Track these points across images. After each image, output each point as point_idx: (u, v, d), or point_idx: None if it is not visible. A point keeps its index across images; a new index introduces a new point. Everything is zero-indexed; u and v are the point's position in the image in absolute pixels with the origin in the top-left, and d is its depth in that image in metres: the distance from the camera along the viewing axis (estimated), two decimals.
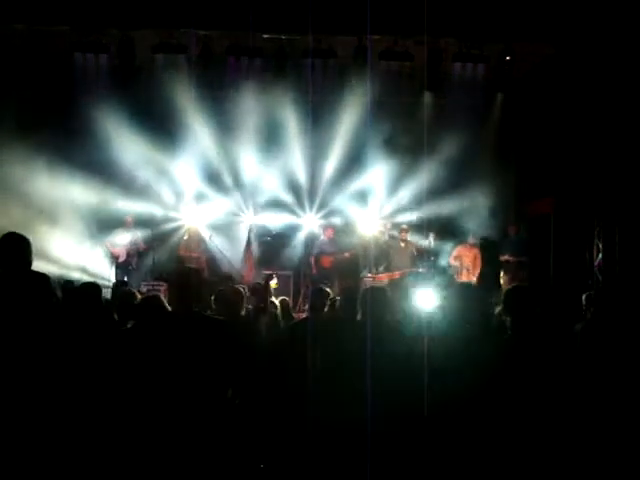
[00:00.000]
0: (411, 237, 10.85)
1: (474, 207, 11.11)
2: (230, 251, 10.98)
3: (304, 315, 6.16)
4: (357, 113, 10.46)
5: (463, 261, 10.72)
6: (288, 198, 11.42)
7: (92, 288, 4.24)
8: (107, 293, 7.76)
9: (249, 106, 10.31)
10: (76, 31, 9.48)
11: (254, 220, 10.94)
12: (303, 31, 9.35)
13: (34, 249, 3.86)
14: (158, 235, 10.84)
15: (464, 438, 3.63)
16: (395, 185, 11.36)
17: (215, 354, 3.63)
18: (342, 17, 8.80)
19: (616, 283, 7.94)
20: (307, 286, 10.44)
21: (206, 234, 10.92)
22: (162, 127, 10.54)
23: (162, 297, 4.56)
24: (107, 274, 10.43)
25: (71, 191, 10.01)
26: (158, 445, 3.51)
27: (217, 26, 9.40)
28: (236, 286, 5.46)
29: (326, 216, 11.57)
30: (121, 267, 10.39)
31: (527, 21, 8.86)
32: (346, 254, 10.97)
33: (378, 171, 11.26)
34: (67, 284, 6.24)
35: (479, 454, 3.59)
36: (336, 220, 11.52)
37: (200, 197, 11.27)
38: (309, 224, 11.62)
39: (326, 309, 5.07)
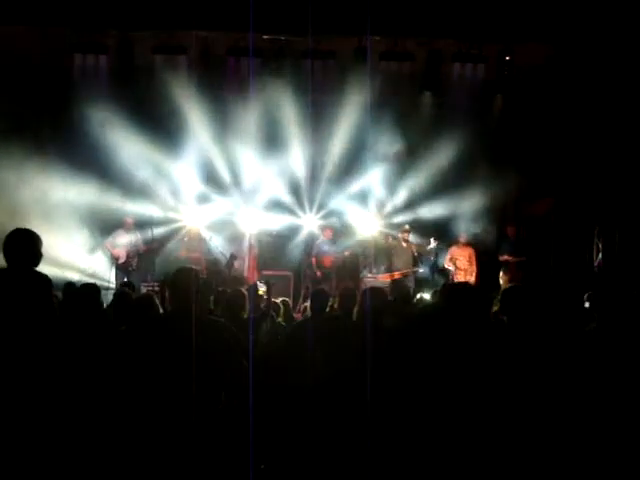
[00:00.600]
0: (412, 238, 10.85)
1: (472, 208, 11.13)
2: (230, 252, 10.96)
3: (304, 316, 6.15)
4: (357, 114, 10.46)
5: (458, 262, 10.71)
6: (288, 199, 11.42)
7: (91, 289, 4.23)
8: (108, 294, 7.75)
9: (249, 107, 10.31)
10: (76, 32, 9.48)
11: (254, 221, 10.92)
12: (303, 32, 9.36)
13: None
14: (158, 236, 10.83)
15: (464, 434, 3.64)
16: (395, 185, 11.36)
17: (213, 355, 3.63)
18: (342, 18, 8.81)
19: (622, 283, 7.93)
20: (307, 287, 10.44)
21: (206, 235, 10.92)
22: (162, 128, 10.54)
23: (155, 297, 4.56)
24: (107, 275, 10.42)
25: (70, 192, 10.01)
26: (153, 446, 3.51)
27: (217, 27, 9.40)
28: (238, 288, 5.46)
29: (326, 217, 11.57)
30: (121, 268, 10.37)
31: (527, 22, 8.87)
32: (345, 253, 10.98)
33: (377, 172, 11.26)
34: (68, 286, 6.23)
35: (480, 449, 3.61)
36: (335, 221, 11.52)
37: (200, 198, 11.27)
38: (309, 225, 11.62)
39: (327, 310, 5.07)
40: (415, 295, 8.26)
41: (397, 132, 10.87)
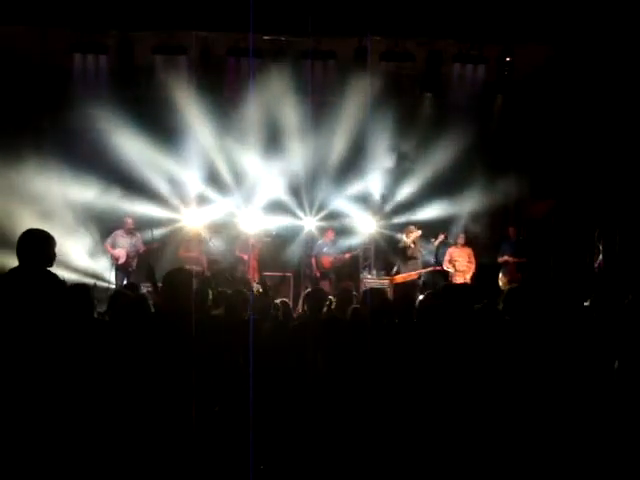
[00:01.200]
0: (418, 238, 10.84)
1: (472, 208, 11.12)
2: (231, 252, 10.95)
3: (300, 315, 6.13)
4: (357, 114, 10.45)
5: (457, 263, 10.69)
6: (288, 199, 11.41)
7: (80, 290, 4.23)
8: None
9: (249, 107, 10.30)
10: (76, 32, 9.47)
11: (254, 221, 10.91)
12: (303, 32, 9.35)
13: None
14: (158, 237, 10.82)
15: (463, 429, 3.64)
16: (395, 186, 11.35)
17: (209, 354, 3.63)
18: (342, 18, 8.80)
19: (622, 284, 7.93)
20: (307, 287, 10.43)
21: (206, 235, 10.90)
22: (162, 128, 10.53)
23: (148, 298, 4.56)
24: (107, 276, 10.42)
25: (70, 192, 10.00)
26: (149, 446, 3.51)
27: (217, 27, 9.39)
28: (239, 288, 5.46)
29: (326, 218, 11.57)
30: (121, 269, 10.36)
31: (527, 23, 8.86)
32: (346, 255, 10.98)
33: (378, 172, 11.25)
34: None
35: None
36: (337, 222, 11.53)
37: (200, 198, 11.26)
38: (309, 225, 11.62)
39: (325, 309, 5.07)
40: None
41: (397, 132, 10.86)
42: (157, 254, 10.58)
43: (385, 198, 11.54)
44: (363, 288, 10.13)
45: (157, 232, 10.66)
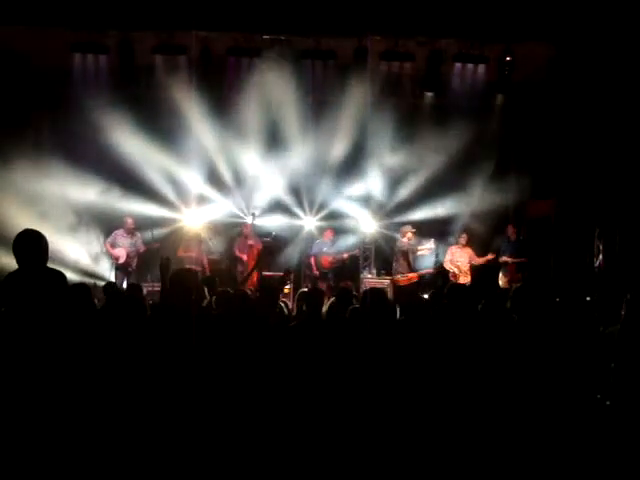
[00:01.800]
0: (414, 238, 10.83)
1: (472, 208, 11.11)
2: (231, 252, 10.96)
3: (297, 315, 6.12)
4: (357, 114, 10.45)
5: (458, 263, 10.68)
6: (288, 199, 11.41)
7: (80, 289, 4.25)
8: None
9: (249, 107, 10.29)
10: (76, 32, 9.47)
11: (254, 221, 10.90)
12: (303, 32, 9.36)
13: None
14: (158, 237, 10.82)
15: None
16: (395, 186, 11.35)
17: (208, 353, 3.63)
18: (342, 18, 8.79)
19: (623, 284, 7.91)
20: (307, 287, 10.43)
21: (206, 235, 10.90)
22: (162, 128, 10.53)
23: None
24: (107, 276, 10.42)
25: (70, 192, 10.00)
26: (147, 444, 3.51)
27: (217, 27, 9.39)
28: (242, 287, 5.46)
29: (326, 218, 11.57)
30: (121, 269, 10.36)
31: (528, 22, 8.85)
32: (344, 255, 10.97)
33: (378, 172, 11.24)
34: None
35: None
36: (337, 222, 11.53)
37: (200, 198, 11.26)
38: (308, 225, 11.62)
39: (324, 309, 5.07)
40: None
41: (397, 132, 10.86)
42: (157, 254, 10.57)
43: (385, 197, 11.52)
44: (363, 288, 10.15)
45: (157, 232, 10.66)
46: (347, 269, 11.26)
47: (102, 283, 10.00)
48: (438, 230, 11.05)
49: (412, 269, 10.60)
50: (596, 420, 3.60)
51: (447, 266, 10.74)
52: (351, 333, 4.30)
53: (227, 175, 11.14)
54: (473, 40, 9.65)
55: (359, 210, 11.53)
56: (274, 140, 10.86)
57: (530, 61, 10.12)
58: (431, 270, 10.77)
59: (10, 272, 3.76)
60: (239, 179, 11.22)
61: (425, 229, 11.02)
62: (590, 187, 9.76)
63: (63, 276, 3.80)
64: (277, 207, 11.38)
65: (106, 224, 10.71)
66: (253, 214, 10.78)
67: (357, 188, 11.38)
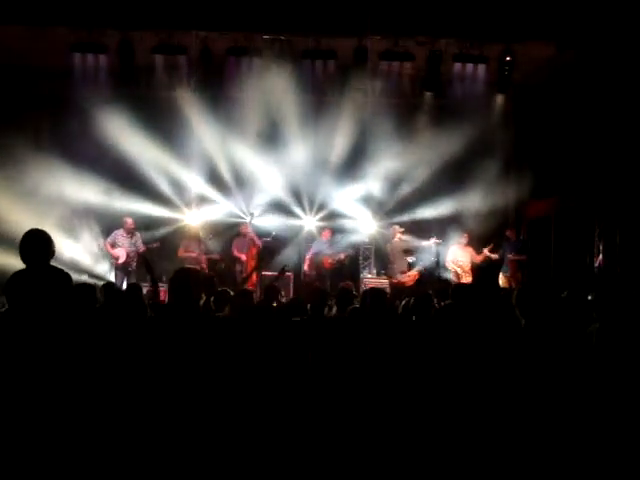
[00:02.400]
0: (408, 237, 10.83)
1: (473, 208, 11.11)
2: (229, 252, 10.96)
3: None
4: (357, 114, 10.45)
5: (460, 263, 10.68)
6: (288, 199, 11.42)
7: (86, 290, 4.25)
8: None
9: (249, 107, 10.29)
10: (76, 32, 9.46)
11: (254, 221, 10.91)
12: (303, 32, 9.35)
13: None
14: (158, 237, 10.82)
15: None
16: (395, 186, 11.35)
17: (207, 353, 3.64)
18: (342, 18, 8.79)
19: (621, 283, 7.91)
20: (307, 286, 10.43)
21: (205, 235, 10.90)
22: (162, 128, 10.54)
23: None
24: (107, 276, 10.43)
25: (70, 192, 10.00)
26: (148, 445, 3.51)
27: (217, 27, 9.38)
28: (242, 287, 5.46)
29: (326, 218, 11.57)
30: (121, 269, 10.36)
31: (528, 22, 8.85)
32: (342, 255, 10.96)
33: (378, 172, 11.25)
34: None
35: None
36: (337, 222, 11.53)
37: (200, 198, 11.26)
38: (308, 225, 11.62)
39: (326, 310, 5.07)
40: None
41: (397, 132, 10.86)
42: (157, 254, 10.58)
43: (385, 197, 11.53)
44: (363, 288, 10.16)
45: (157, 232, 10.67)
46: (347, 269, 11.27)
47: (102, 283, 10.08)
48: (438, 230, 11.04)
49: (412, 267, 10.61)
50: (599, 422, 3.60)
51: (449, 266, 10.73)
52: (352, 333, 4.30)
53: (227, 175, 11.15)
54: (473, 40, 9.64)
55: (359, 210, 11.54)
56: (274, 140, 10.87)
57: (530, 61, 10.13)
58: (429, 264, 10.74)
59: (16, 271, 3.76)
60: (239, 179, 11.22)
61: (425, 229, 11.03)
62: (590, 186, 9.77)
63: (69, 277, 3.81)
64: (277, 207, 11.39)
65: (106, 224, 10.71)
66: (252, 214, 10.79)
67: (357, 188, 11.38)
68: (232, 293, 5.50)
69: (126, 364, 3.79)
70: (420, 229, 11.08)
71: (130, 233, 10.37)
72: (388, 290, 10.16)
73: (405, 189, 11.27)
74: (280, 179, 11.14)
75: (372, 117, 10.63)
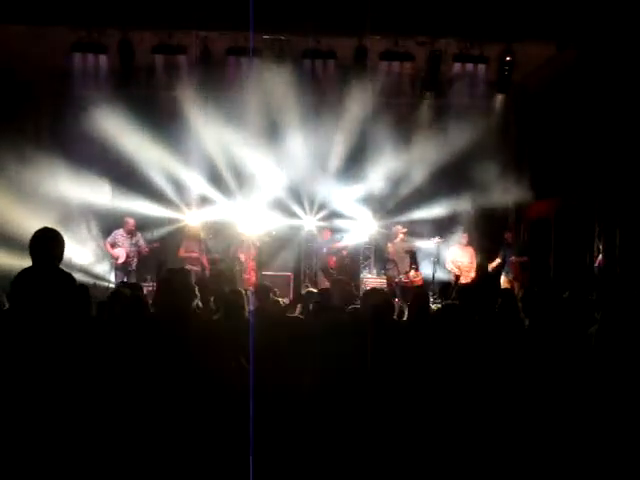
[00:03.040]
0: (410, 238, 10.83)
1: (473, 208, 11.12)
2: (230, 252, 10.96)
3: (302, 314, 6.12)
4: (357, 114, 10.45)
5: (460, 263, 10.67)
6: (288, 199, 11.42)
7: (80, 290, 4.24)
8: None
9: (249, 107, 10.29)
10: (76, 32, 9.46)
11: (254, 221, 10.91)
12: (303, 32, 9.35)
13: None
14: (158, 237, 10.82)
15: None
16: (395, 186, 11.36)
17: (206, 354, 3.64)
18: (342, 18, 8.79)
19: (621, 284, 7.93)
20: (307, 286, 10.44)
21: (206, 235, 10.90)
22: (162, 128, 10.54)
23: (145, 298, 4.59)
24: (107, 276, 10.44)
25: (70, 191, 10.00)
26: (145, 447, 3.51)
27: (217, 27, 9.38)
28: (238, 288, 5.44)
29: (326, 217, 11.58)
30: (121, 269, 10.36)
31: (528, 22, 8.85)
32: (344, 252, 10.98)
33: (378, 172, 11.26)
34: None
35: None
36: (337, 222, 11.55)
37: (200, 197, 11.26)
38: (308, 225, 11.63)
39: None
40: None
41: (397, 132, 10.87)
42: (157, 254, 10.59)
43: (385, 197, 11.53)
44: (363, 288, 10.16)
45: (157, 232, 10.67)
46: (347, 269, 11.27)
47: (102, 283, 10.10)
48: (438, 230, 11.05)
49: (416, 267, 10.63)
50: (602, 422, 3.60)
51: (449, 266, 10.74)
52: (352, 333, 4.30)
53: (227, 175, 11.14)
54: (473, 40, 9.64)
55: (359, 210, 11.54)
56: (274, 140, 10.87)
57: (530, 61, 10.13)
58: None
59: (23, 269, 3.73)
60: (239, 179, 11.22)
61: (425, 229, 11.03)
62: (590, 187, 9.77)
63: (72, 279, 3.77)
64: (277, 207, 11.39)
65: (106, 224, 10.71)
66: (253, 214, 10.79)
67: (357, 188, 11.39)
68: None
69: (125, 362, 3.78)
70: (420, 229, 11.08)
71: (130, 233, 10.37)
72: (386, 289, 10.17)
73: (405, 189, 11.27)
74: (280, 179, 11.14)
75: (372, 117, 10.63)
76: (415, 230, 11.08)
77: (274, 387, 4.28)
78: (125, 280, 10.13)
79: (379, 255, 11.74)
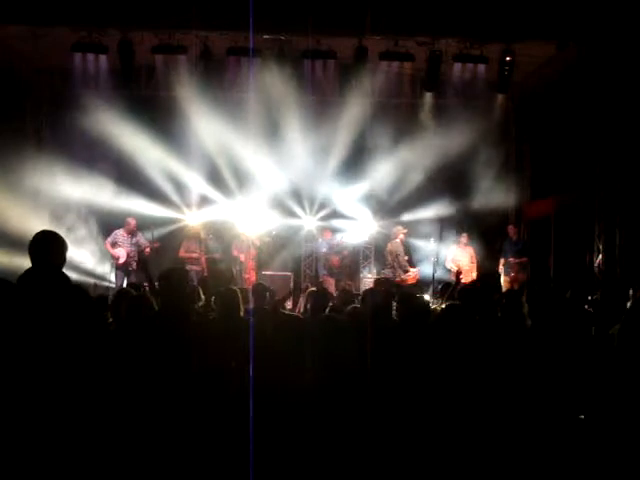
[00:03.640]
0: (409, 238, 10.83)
1: (473, 208, 11.12)
2: (230, 252, 10.96)
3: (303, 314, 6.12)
4: (357, 114, 10.45)
5: (460, 263, 10.67)
6: (288, 199, 11.42)
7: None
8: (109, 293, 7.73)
9: (248, 107, 10.30)
10: (76, 32, 9.46)
11: (254, 221, 10.91)
12: (303, 32, 9.34)
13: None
14: (159, 237, 10.82)
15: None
16: (395, 186, 11.36)
17: (203, 354, 3.64)
18: (342, 18, 8.79)
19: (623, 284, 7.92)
20: (307, 286, 10.43)
21: (205, 235, 10.90)
22: (162, 128, 10.54)
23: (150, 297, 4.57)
24: (108, 276, 10.44)
25: (70, 191, 10.00)
26: (147, 446, 3.51)
27: (217, 27, 9.38)
28: (235, 287, 5.42)
29: (326, 217, 11.58)
30: (121, 269, 10.35)
31: (528, 22, 8.86)
32: (344, 252, 10.98)
33: (378, 172, 11.26)
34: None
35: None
36: (337, 222, 11.55)
37: (201, 197, 11.26)
38: (308, 225, 11.63)
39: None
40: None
41: (397, 132, 10.87)
42: (157, 254, 10.58)
43: (385, 197, 11.53)
44: (363, 288, 10.16)
45: (158, 232, 10.66)
46: (347, 269, 11.27)
47: (103, 283, 10.11)
48: (438, 230, 11.05)
49: (414, 266, 10.63)
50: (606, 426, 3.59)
51: (448, 265, 10.73)
52: (352, 333, 4.30)
53: (227, 174, 11.14)
54: (473, 40, 9.64)
55: (359, 210, 11.54)
56: (274, 140, 10.87)
57: (530, 61, 10.13)
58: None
59: (26, 269, 3.71)
60: (239, 178, 11.22)
61: (425, 229, 11.03)
62: (590, 186, 9.77)
63: (73, 283, 3.73)
64: (277, 206, 11.39)
65: (106, 224, 10.71)
66: (253, 214, 10.79)
67: (357, 187, 11.39)
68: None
69: (122, 365, 3.78)
70: (420, 229, 11.08)
71: (131, 233, 10.36)
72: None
73: (405, 189, 11.27)
74: (280, 179, 11.14)
75: (372, 117, 10.63)
76: (415, 230, 11.07)
77: (273, 387, 4.28)
78: (125, 280, 10.16)
79: (379, 255, 11.74)
